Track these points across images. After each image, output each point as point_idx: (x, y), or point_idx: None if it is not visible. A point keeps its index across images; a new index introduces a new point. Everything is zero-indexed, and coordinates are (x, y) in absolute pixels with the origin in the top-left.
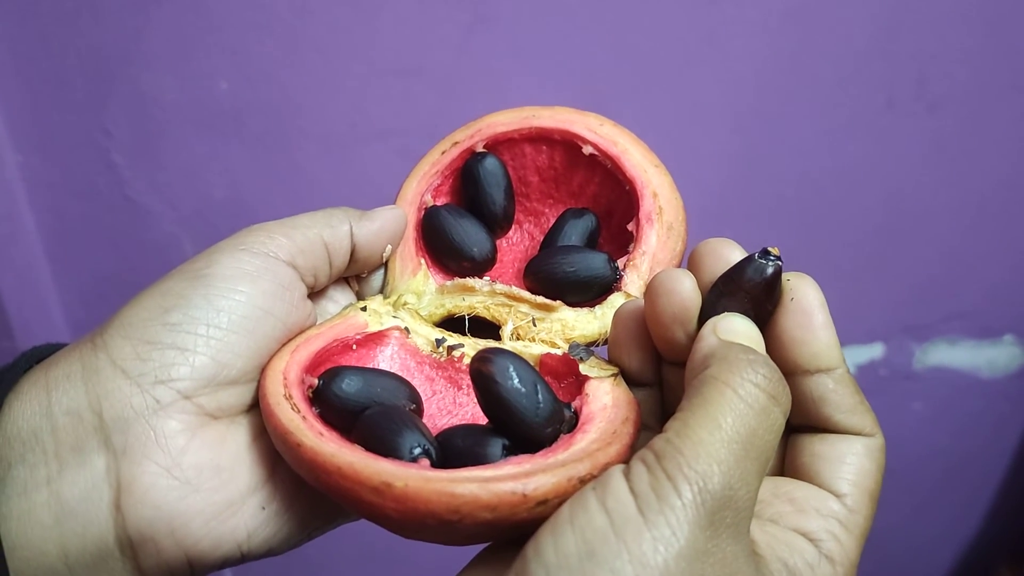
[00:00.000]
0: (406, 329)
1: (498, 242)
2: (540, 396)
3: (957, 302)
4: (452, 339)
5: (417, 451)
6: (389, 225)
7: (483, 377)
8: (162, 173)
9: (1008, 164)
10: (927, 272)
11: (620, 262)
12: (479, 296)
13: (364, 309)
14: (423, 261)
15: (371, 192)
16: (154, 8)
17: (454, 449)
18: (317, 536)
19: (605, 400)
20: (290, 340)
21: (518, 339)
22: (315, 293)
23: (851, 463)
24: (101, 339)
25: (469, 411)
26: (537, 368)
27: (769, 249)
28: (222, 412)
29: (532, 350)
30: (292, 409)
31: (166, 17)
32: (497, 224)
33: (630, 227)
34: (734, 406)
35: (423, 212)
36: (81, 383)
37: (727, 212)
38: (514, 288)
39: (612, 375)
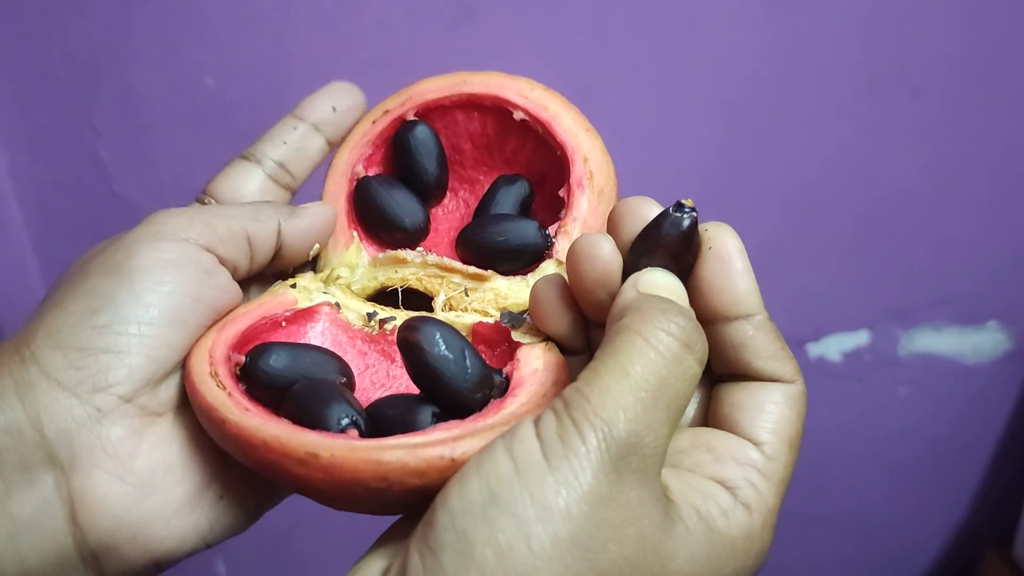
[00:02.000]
0: (337, 304)
1: (433, 211)
2: (468, 362)
3: (942, 288)
4: (384, 312)
5: (345, 421)
6: (319, 223)
7: (410, 345)
8: (149, 169)
9: (992, 150)
10: (912, 258)
11: (551, 229)
12: (411, 268)
13: (294, 286)
14: (355, 234)
15: None
16: (139, 4)
17: (384, 419)
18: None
19: (536, 364)
20: (218, 321)
21: (451, 310)
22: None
23: (770, 411)
24: (29, 351)
25: (403, 384)
26: (470, 337)
27: (683, 201)
28: (164, 407)
29: (464, 319)
30: (218, 386)
31: (152, 13)
32: (430, 193)
33: (561, 193)
34: (644, 354)
35: (354, 183)
36: (17, 400)
37: (711, 199)
38: (445, 259)
39: (543, 340)
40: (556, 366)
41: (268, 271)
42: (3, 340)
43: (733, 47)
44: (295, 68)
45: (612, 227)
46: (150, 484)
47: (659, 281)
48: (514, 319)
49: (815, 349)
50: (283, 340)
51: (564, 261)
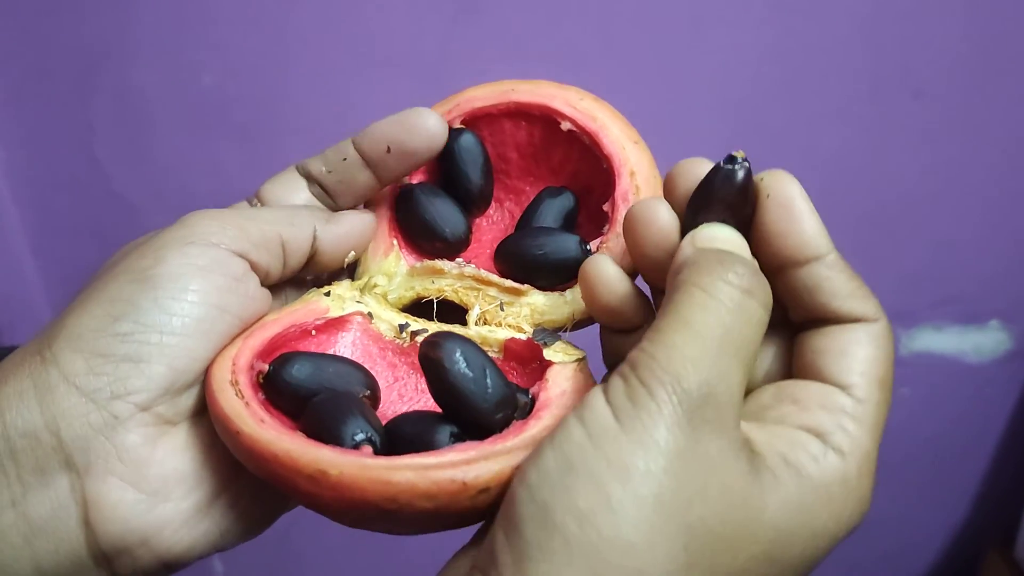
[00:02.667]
0: (369, 314)
1: (477, 221)
2: (489, 381)
3: (944, 288)
4: (416, 324)
5: (360, 437)
6: (356, 231)
7: (430, 362)
8: (146, 167)
9: (994, 150)
10: (913, 258)
11: (594, 244)
12: (448, 279)
13: (328, 294)
14: (395, 242)
15: None
16: (136, 2)
17: (402, 436)
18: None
19: (565, 386)
20: (245, 329)
21: (485, 324)
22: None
23: (855, 353)
24: (50, 352)
25: (431, 399)
26: (501, 353)
27: (734, 154)
28: (181, 417)
29: (498, 335)
30: (236, 395)
31: (149, 10)
32: (473, 203)
33: (606, 207)
34: (705, 305)
35: (398, 191)
36: (35, 403)
37: None
38: (483, 271)
39: (577, 360)
40: (585, 388)
41: (304, 276)
42: (0, 341)
43: (736, 48)
44: (294, 66)
45: (668, 191)
46: (163, 492)
47: (716, 235)
48: (547, 336)
49: None
50: (312, 349)
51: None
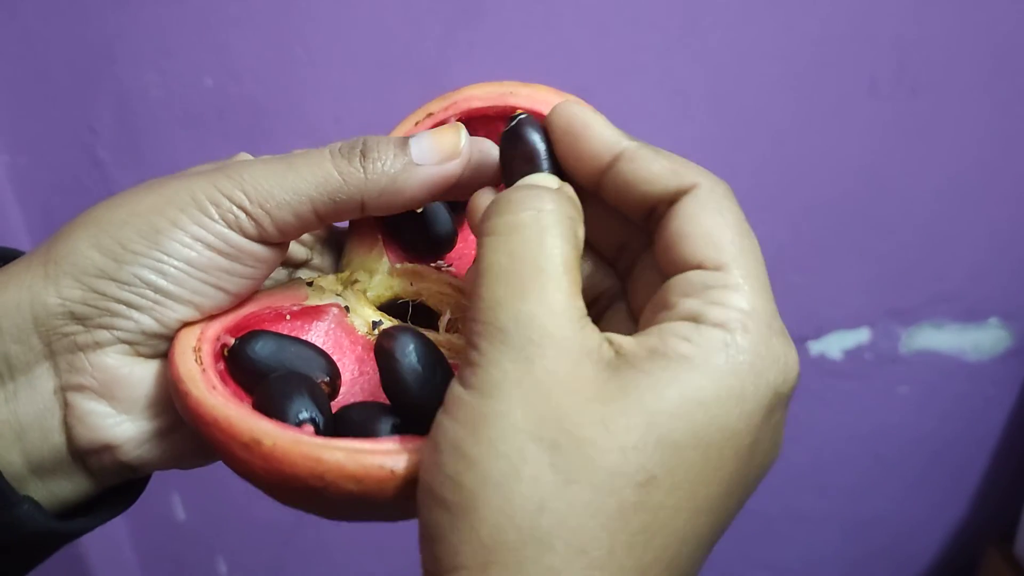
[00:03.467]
0: (346, 308)
1: (465, 223)
2: (438, 378)
3: (942, 285)
4: (388, 323)
5: (303, 416)
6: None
7: (383, 352)
8: (148, 169)
9: (994, 148)
10: (913, 256)
11: None
12: (427, 283)
13: (310, 284)
14: (380, 237)
15: None
16: (137, 4)
17: (348, 424)
18: None
19: None
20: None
21: (456, 331)
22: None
23: (692, 228)
24: (54, 269)
25: None
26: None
27: (512, 115)
28: (156, 354)
29: (464, 341)
30: (195, 361)
31: (149, 13)
32: (461, 203)
33: None
34: (484, 245)
35: None
36: (30, 315)
37: None
38: (457, 280)
39: None
40: None
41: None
42: None
43: (733, 44)
44: (295, 68)
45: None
46: (129, 412)
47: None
48: None
49: (816, 347)
50: (284, 332)
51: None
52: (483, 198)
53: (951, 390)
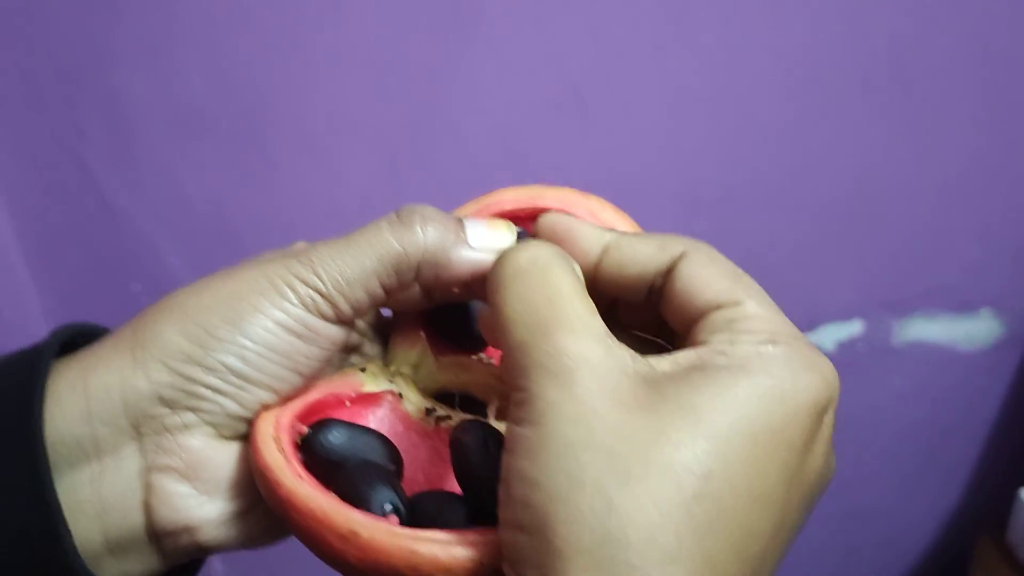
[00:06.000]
0: (399, 395)
1: None
2: None
3: (935, 277)
4: (441, 411)
5: (388, 507)
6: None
7: (459, 446)
8: (136, 172)
9: (984, 139)
10: (905, 248)
11: None
12: (471, 374)
13: (363, 370)
14: (423, 334)
15: (348, 187)
16: (124, 5)
17: (424, 512)
18: None
19: None
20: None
21: (503, 420)
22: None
23: (695, 287)
24: (142, 354)
25: (447, 480)
26: None
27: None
28: (237, 436)
29: None
30: (278, 451)
31: (137, 14)
32: None
33: None
34: (493, 305)
35: None
36: (120, 401)
37: (703, 191)
38: (499, 370)
39: None
40: None
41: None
42: None
43: (725, 41)
44: (283, 68)
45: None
46: (211, 493)
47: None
48: None
49: (810, 339)
50: (345, 418)
51: None
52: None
53: (944, 381)
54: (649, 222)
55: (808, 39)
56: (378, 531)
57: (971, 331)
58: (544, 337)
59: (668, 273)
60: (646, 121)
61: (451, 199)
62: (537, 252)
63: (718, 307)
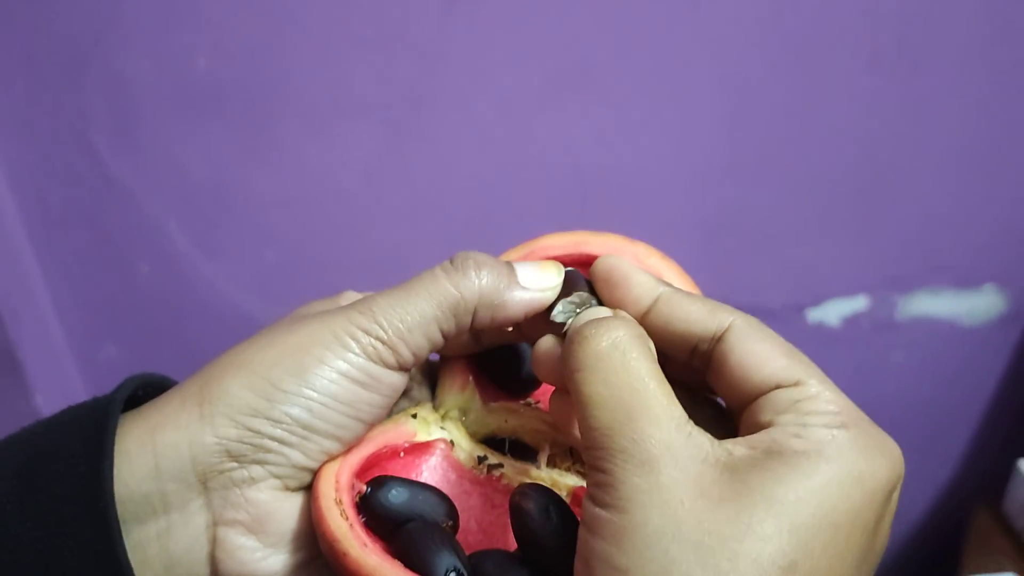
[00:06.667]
0: (451, 442)
1: None
2: (568, 528)
3: (939, 253)
4: (493, 459)
5: (452, 575)
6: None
7: (520, 511)
8: (142, 154)
9: (987, 118)
10: (909, 224)
11: None
12: (520, 420)
13: (415, 416)
14: (471, 378)
15: (352, 166)
16: None
17: (484, 573)
18: None
19: None
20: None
21: (554, 467)
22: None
23: (753, 360)
24: (209, 410)
25: (499, 529)
26: (568, 498)
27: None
28: (301, 486)
29: (566, 480)
30: (341, 516)
31: None
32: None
33: None
34: (576, 382)
35: None
36: (188, 457)
37: (712, 172)
38: (548, 416)
39: None
40: None
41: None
42: (4, 330)
43: (732, 23)
44: (288, 47)
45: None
46: (276, 546)
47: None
48: None
49: (814, 315)
50: (400, 470)
51: None
52: (547, 343)
53: (946, 355)
54: (656, 199)
55: (816, 14)
56: None
57: (974, 306)
58: (628, 423)
59: (717, 341)
60: (652, 97)
61: (455, 178)
62: (617, 335)
63: (778, 386)
